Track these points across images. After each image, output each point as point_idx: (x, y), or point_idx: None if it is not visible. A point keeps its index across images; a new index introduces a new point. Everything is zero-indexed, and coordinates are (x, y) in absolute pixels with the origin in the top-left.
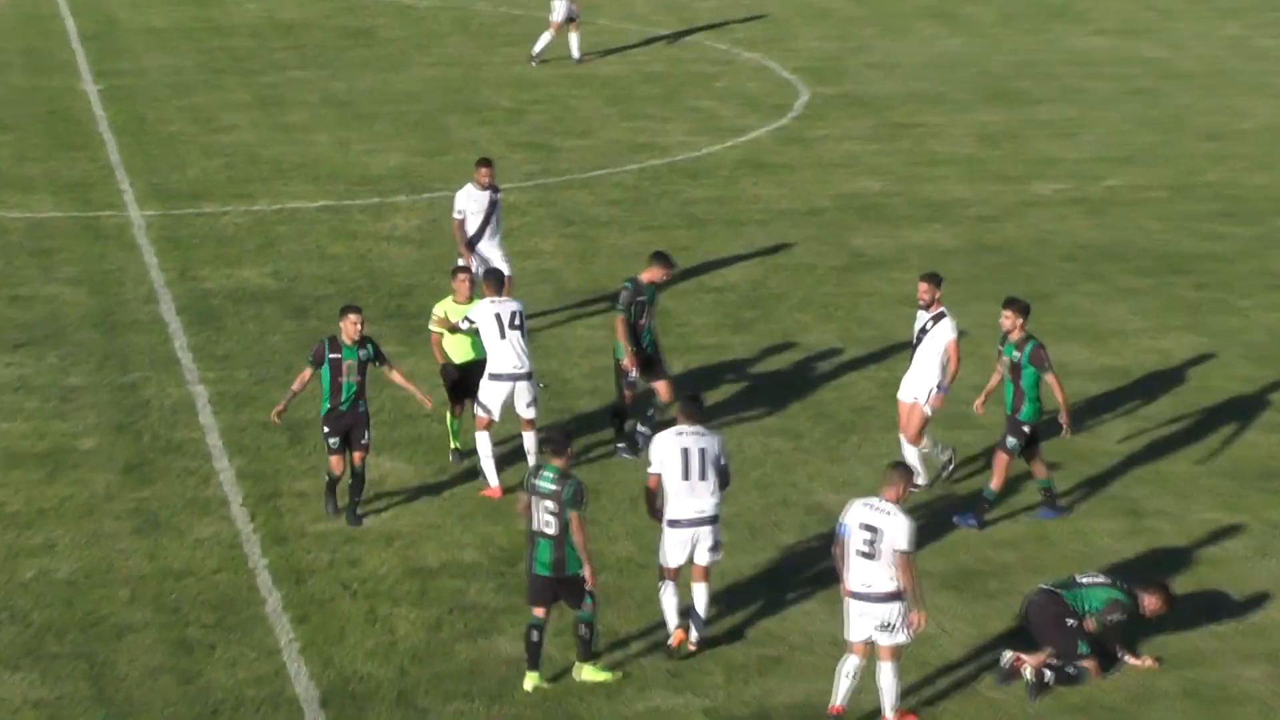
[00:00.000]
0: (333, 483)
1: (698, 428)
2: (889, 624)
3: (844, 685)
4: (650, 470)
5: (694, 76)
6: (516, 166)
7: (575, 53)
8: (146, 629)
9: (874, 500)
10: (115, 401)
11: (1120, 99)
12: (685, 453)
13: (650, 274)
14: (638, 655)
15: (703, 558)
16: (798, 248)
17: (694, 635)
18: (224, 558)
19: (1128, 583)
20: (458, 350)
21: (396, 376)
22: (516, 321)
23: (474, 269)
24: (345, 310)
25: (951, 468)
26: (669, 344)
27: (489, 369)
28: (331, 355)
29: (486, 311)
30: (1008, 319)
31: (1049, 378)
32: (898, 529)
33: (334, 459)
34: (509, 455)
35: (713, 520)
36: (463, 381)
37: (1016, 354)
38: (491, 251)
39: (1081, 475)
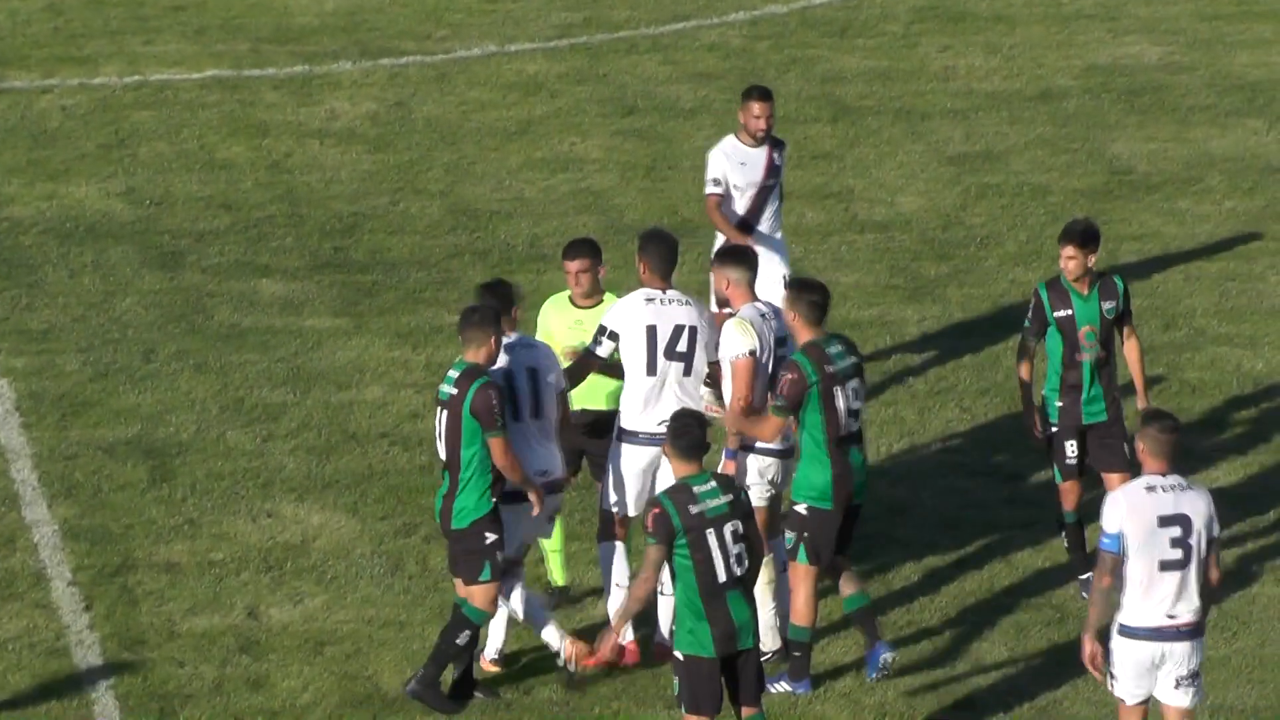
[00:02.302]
0: (470, 642)
1: (675, 292)
2: (1192, 673)
3: None
4: (596, 350)
5: None
6: (541, 15)
7: None
8: None
9: (1155, 479)
10: None
11: None
12: (651, 334)
13: (1072, 259)
14: None
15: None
16: (1018, 157)
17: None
18: (38, 673)
19: None
20: (588, 386)
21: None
22: (683, 344)
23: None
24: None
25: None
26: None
27: (622, 422)
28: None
29: (634, 316)
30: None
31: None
32: (1208, 508)
33: (491, 591)
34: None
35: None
36: (593, 445)
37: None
38: (767, 254)
39: None
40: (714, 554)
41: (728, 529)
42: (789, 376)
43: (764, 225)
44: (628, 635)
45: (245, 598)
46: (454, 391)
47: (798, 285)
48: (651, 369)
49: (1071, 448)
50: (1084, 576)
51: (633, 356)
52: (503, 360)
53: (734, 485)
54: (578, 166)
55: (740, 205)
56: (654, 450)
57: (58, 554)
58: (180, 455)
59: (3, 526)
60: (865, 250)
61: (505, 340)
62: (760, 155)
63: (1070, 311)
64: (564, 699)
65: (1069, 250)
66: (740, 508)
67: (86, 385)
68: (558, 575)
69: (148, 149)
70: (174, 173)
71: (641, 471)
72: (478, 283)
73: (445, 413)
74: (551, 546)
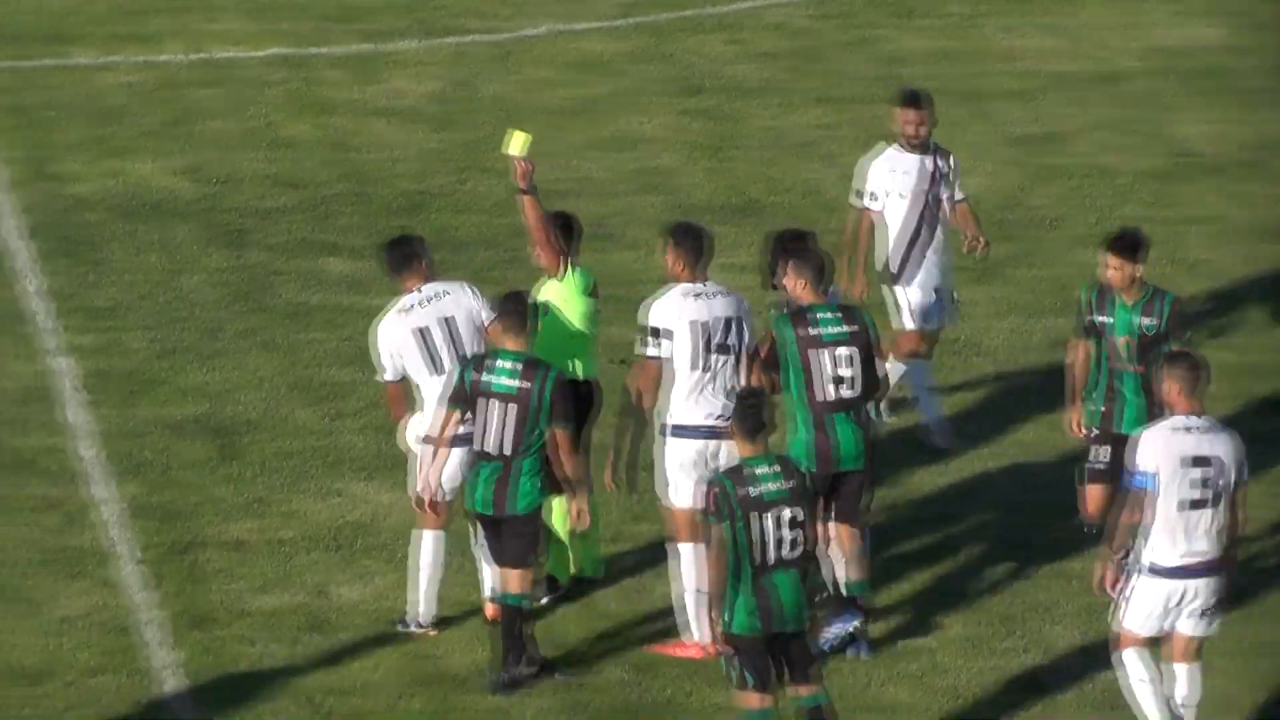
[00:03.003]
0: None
1: (714, 285)
2: (1213, 606)
3: (1157, 701)
4: (649, 353)
5: None
6: None
7: None
8: None
9: (1187, 420)
10: None
11: None
12: (697, 328)
13: (1116, 269)
14: None
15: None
16: (1082, 138)
17: None
18: (107, 650)
19: None
20: (561, 350)
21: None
22: (730, 335)
23: (916, 320)
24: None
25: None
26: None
27: (674, 417)
28: None
29: (680, 312)
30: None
31: None
32: (1237, 452)
33: (532, 573)
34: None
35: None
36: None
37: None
38: (928, 278)
39: None
40: (765, 536)
41: (784, 514)
42: (764, 336)
43: (932, 246)
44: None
45: (314, 576)
46: (523, 384)
47: (800, 256)
48: (701, 363)
49: (1102, 453)
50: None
51: (681, 352)
52: (423, 312)
53: (798, 470)
54: (642, 146)
55: (901, 214)
56: (705, 443)
57: (125, 532)
58: (248, 434)
59: (70, 504)
60: None
61: (421, 292)
62: (921, 162)
63: (1110, 319)
64: (634, 679)
65: (1113, 260)
66: (801, 493)
67: (152, 363)
68: (570, 566)
69: (211, 127)
70: (238, 151)
71: (695, 464)
72: (387, 240)
73: (512, 405)
74: (563, 531)
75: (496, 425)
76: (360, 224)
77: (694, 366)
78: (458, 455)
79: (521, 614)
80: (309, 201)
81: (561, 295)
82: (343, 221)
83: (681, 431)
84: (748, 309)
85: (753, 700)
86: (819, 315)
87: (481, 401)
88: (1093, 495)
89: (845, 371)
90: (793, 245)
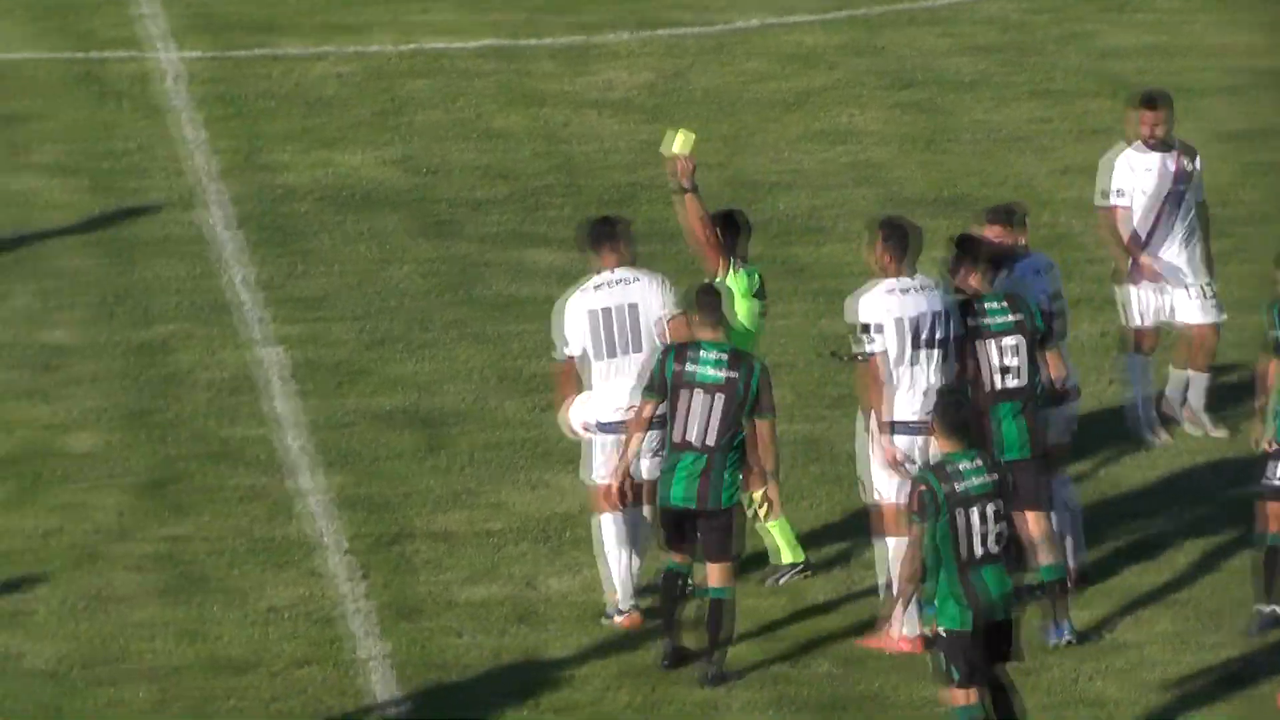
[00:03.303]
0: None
1: (921, 279)
2: None
3: None
4: (871, 349)
5: None
6: None
7: None
8: None
9: None
10: (129, 373)
11: None
12: (904, 325)
13: None
14: None
15: None
16: None
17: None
18: (314, 641)
19: None
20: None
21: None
22: (937, 329)
23: (1146, 305)
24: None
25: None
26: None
27: (884, 413)
28: None
29: (885, 308)
30: None
31: None
32: None
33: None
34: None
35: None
36: None
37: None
38: (1173, 269)
39: None
40: (972, 531)
41: (989, 508)
42: None
43: (1174, 239)
44: (913, 630)
45: (523, 568)
46: (731, 375)
47: (970, 246)
48: (909, 359)
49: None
50: (1267, 609)
51: (889, 348)
52: (608, 293)
53: (998, 464)
54: (856, 139)
55: (1140, 212)
56: (912, 439)
57: (333, 522)
58: (455, 425)
59: (278, 495)
60: None
61: (613, 273)
62: (1163, 161)
63: None
64: (841, 672)
65: None
66: (1003, 485)
67: (360, 353)
68: (786, 551)
69: (423, 117)
70: (448, 141)
71: (904, 460)
72: (590, 217)
73: (719, 395)
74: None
75: (700, 416)
76: (570, 215)
77: (901, 362)
78: (614, 443)
79: (726, 607)
80: (519, 193)
81: (726, 295)
82: (552, 213)
83: (891, 427)
84: (954, 302)
85: (959, 697)
86: (986, 305)
87: (684, 392)
88: (1273, 512)
89: (1011, 361)
90: (966, 237)
